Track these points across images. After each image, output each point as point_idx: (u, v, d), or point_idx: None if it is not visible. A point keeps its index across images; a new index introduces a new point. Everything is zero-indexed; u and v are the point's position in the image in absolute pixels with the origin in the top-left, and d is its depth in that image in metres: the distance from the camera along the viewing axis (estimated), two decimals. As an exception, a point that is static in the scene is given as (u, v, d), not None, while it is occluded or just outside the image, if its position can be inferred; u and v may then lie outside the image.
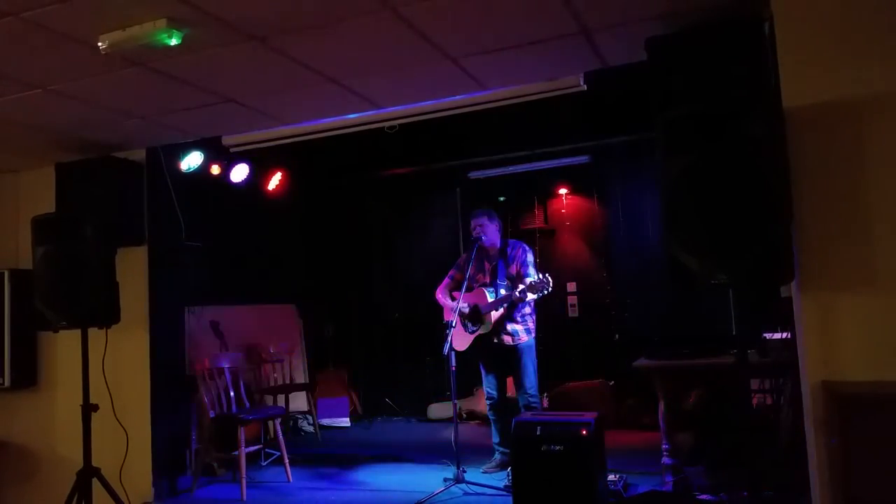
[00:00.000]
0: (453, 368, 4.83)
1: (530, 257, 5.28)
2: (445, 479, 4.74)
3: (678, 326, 6.66)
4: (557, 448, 3.91)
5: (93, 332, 4.05)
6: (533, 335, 5.24)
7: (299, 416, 7.49)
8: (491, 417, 5.36)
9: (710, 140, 2.67)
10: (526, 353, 5.16)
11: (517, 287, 4.99)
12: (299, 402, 7.31)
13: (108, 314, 4.02)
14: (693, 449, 4.58)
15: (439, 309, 5.46)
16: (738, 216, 2.60)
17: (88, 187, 4.75)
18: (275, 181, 7.20)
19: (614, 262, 7.47)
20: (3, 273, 5.06)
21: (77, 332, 4.04)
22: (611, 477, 4.35)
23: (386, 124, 4.73)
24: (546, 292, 4.88)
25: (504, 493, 4.51)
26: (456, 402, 4.96)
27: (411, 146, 6.75)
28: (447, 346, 4.79)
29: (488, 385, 5.34)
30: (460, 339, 5.22)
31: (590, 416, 4.07)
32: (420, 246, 8.36)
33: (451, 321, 4.90)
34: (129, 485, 4.36)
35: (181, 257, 5.40)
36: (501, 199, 7.97)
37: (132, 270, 4.81)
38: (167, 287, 5.10)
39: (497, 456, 5.28)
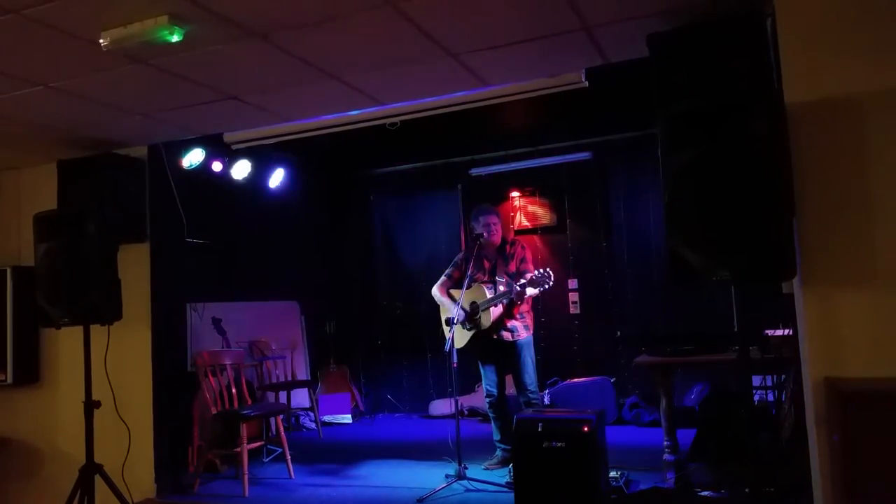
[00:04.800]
0: (455, 365, 4.83)
1: (529, 254, 5.30)
2: (447, 476, 4.74)
3: (680, 323, 6.66)
4: (559, 444, 3.91)
5: (95, 329, 4.05)
6: (531, 332, 5.24)
7: (301, 413, 7.50)
8: (491, 415, 5.36)
9: (712, 136, 2.67)
10: (525, 350, 5.16)
11: (517, 283, 4.99)
12: (301, 398, 7.33)
13: (110, 311, 4.03)
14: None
15: (439, 305, 5.46)
16: (739, 212, 2.61)
17: (90, 184, 4.75)
18: (276, 178, 7.21)
19: (616, 259, 7.47)
20: (6, 270, 5.07)
21: (79, 329, 4.05)
22: (612, 473, 4.35)
23: (387, 121, 4.72)
24: (546, 286, 4.88)
25: (506, 489, 4.51)
26: (457, 398, 4.96)
27: (413, 143, 6.75)
28: (448, 344, 4.79)
29: (488, 382, 5.34)
30: (460, 337, 5.22)
31: (591, 412, 4.07)
32: (422, 242, 8.36)
33: (453, 318, 4.91)
34: (131, 481, 4.37)
35: (183, 254, 5.40)
36: (502, 195, 7.97)
37: (134, 267, 4.81)
38: (169, 284, 5.10)
39: (498, 453, 5.28)
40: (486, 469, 5.15)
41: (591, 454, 3.89)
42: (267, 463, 5.85)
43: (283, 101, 4.27)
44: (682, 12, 3.20)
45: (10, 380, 5.02)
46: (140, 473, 4.74)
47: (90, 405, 4.01)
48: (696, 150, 2.69)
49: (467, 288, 5.04)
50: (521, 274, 5.13)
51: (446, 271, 5.49)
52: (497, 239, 5.28)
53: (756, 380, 4.27)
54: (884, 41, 2.77)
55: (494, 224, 5.25)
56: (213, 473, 5.50)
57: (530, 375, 5.16)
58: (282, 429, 5.46)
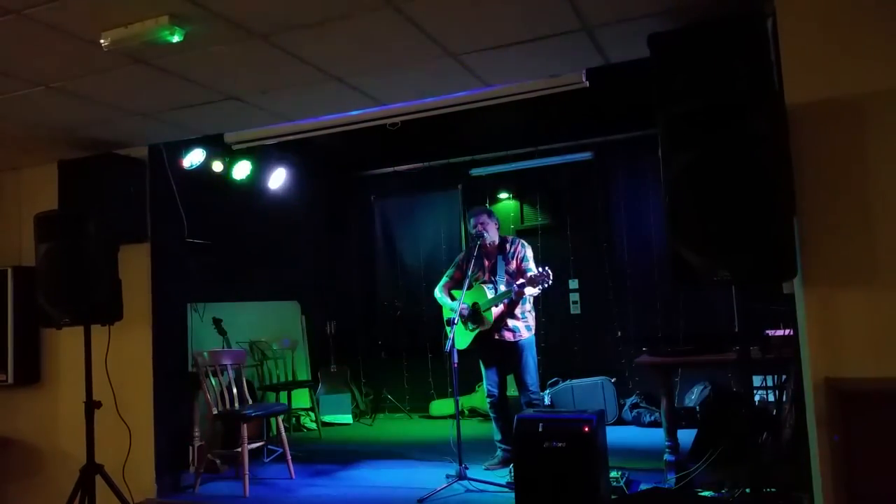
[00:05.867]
0: (455, 365, 4.83)
1: (529, 253, 5.28)
2: (448, 476, 4.73)
3: (680, 323, 6.67)
4: (560, 445, 3.91)
5: (96, 329, 4.05)
6: (533, 332, 5.24)
7: (302, 413, 7.50)
8: (492, 415, 5.36)
9: (713, 136, 2.67)
10: (527, 350, 5.16)
11: (516, 282, 4.99)
12: (302, 398, 7.33)
13: (110, 311, 4.03)
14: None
15: (440, 306, 5.46)
16: (740, 212, 2.61)
17: (91, 184, 4.75)
18: (277, 178, 7.21)
19: (617, 259, 7.47)
20: (7, 270, 5.07)
21: (80, 330, 4.05)
22: (613, 473, 4.35)
23: (388, 121, 4.72)
24: (546, 285, 4.88)
25: (506, 489, 4.51)
26: (458, 398, 4.96)
27: (413, 143, 6.75)
28: (449, 343, 4.79)
29: (489, 382, 5.33)
30: (461, 338, 5.22)
31: (592, 412, 4.07)
32: (422, 243, 8.36)
33: (454, 318, 4.90)
34: (132, 481, 4.37)
35: (184, 254, 5.40)
36: (503, 195, 7.98)
37: (135, 268, 4.81)
38: (170, 284, 5.10)
39: (499, 453, 5.28)
40: (487, 469, 5.14)
41: (592, 454, 3.88)
42: (267, 463, 5.84)
43: (284, 101, 4.27)
44: (683, 12, 3.20)
45: (10, 380, 5.02)
46: (141, 473, 4.74)
47: (91, 405, 4.02)
48: (697, 151, 2.70)
49: (468, 288, 5.04)
50: (521, 273, 5.13)
51: (448, 271, 5.50)
52: (492, 237, 5.27)
53: (757, 380, 4.27)
54: (884, 42, 2.77)
55: (483, 224, 5.24)
56: (213, 473, 5.50)
57: (532, 376, 5.16)
58: (282, 429, 5.46)
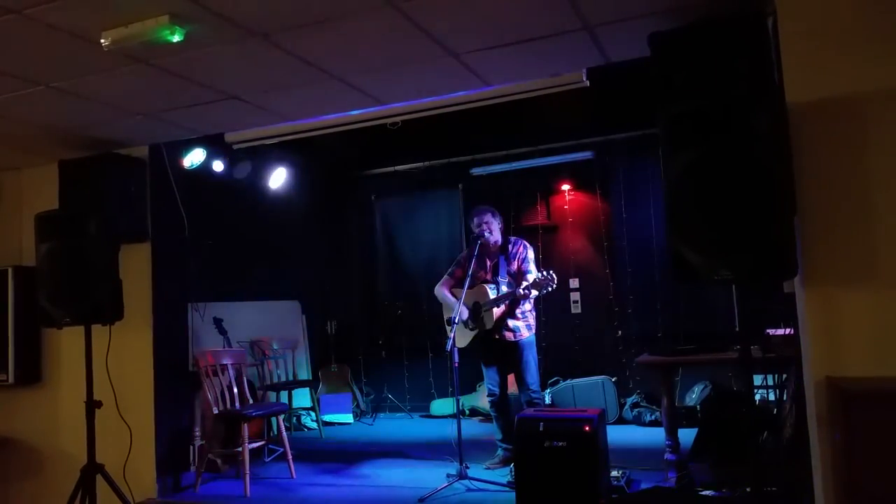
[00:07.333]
0: (456, 364, 4.84)
1: (531, 254, 5.29)
2: (448, 475, 4.74)
3: (681, 322, 6.66)
4: (560, 444, 3.91)
5: (96, 329, 4.06)
6: (534, 331, 5.24)
7: (302, 413, 7.51)
8: (493, 414, 5.37)
9: (714, 135, 2.67)
10: (527, 349, 5.16)
11: (519, 284, 4.99)
12: (302, 398, 7.33)
13: (111, 311, 4.03)
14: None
15: (441, 305, 5.46)
16: (741, 211, 2.61)
17: (91, 184, 4.74)
18: (278, 177, 7.21)
19: (617, 258, 7.47)
20: (7, 270, 5.07)
21: (81, 329, 4.06)
22: (614, 473, 4.35)
23: (388, 120, 4.72)
24: (550, 289, 4.88)
25: (507, 488, 4.51)
26: (459, 398, 4.96)
27: (414, 142, 6.75)
28: (450, 343, 4.79)
29: (490, 382, 5.34)
30: (462, 336, 5.22)
31: (593, 412, 4.08)
32: (423, 242, 8.36)
33: (454, 317, 4.91)
34: (132, 481, 4.38)
35: (184, 254, 5.40)
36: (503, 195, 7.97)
37: (135, 267, 4.82)
38: (170, 283, 5.10)
39: (500, 452, 5.28)
40: (488, 468, 5.15)
41: (593, 454, 3.89)
42: (268, 463, 5.85)
43: (284, 100, 4.27)
44: (684, 11, 3.20)
45: (11, 380, 5.02)
46: (141, 473, 4.74)
47: (91, 405, 4.02)
48: (698, 150, 2.70)
49: (469, 287, 5.04)
50: (522, 273, 5.13)
51: (449, 270, 5.50)
52: (495, 237, 5.27)
53: (757, 379, 4.26)
54: (885, 41, 2.77)
55: (487, 223, 5.24)
56: (214, 473, 5.50)
57: (532, 375, 5.16)
58: (283, 428, 5.46)
